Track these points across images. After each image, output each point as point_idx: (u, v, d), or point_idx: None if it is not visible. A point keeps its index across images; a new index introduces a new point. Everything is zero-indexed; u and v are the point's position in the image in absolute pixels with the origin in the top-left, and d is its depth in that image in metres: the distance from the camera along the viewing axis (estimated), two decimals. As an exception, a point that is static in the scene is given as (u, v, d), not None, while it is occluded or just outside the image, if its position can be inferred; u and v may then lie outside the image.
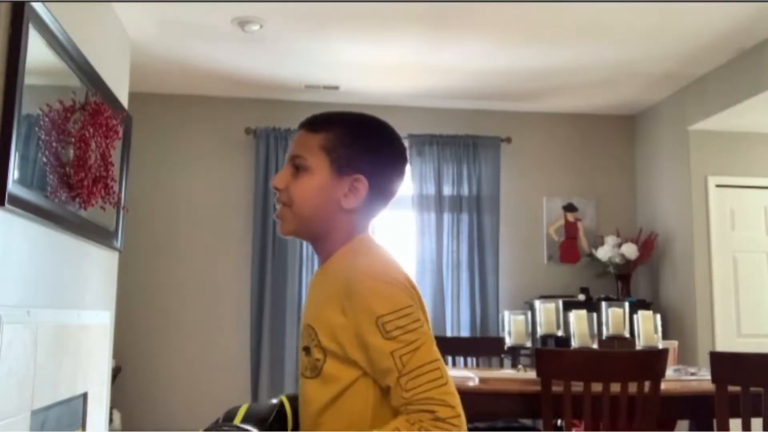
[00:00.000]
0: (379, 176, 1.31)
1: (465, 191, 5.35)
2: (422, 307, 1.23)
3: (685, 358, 4.64)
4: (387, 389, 1.17)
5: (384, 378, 1.16)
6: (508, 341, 3.54)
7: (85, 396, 3.28)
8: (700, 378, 3.07)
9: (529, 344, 3.57)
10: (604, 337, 3.42)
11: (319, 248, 1.34)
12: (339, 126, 1.32)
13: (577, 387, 2.37)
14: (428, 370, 1.14)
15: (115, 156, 3.36)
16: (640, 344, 3.29)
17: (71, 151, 2.84)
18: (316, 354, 1.22)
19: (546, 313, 3.67)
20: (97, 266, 3.46)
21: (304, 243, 5.11)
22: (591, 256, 5.38)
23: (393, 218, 5.49)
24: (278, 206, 1.34)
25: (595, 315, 3.46)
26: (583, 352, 3.06)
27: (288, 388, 4.92)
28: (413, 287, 1.24)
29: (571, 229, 5.53)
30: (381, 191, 1.32)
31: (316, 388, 1.23)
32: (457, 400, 1.13)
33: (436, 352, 1.18)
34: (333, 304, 1.21)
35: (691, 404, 2.72)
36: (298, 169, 1.31)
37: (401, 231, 5.41)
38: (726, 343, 4.73)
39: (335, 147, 1.29)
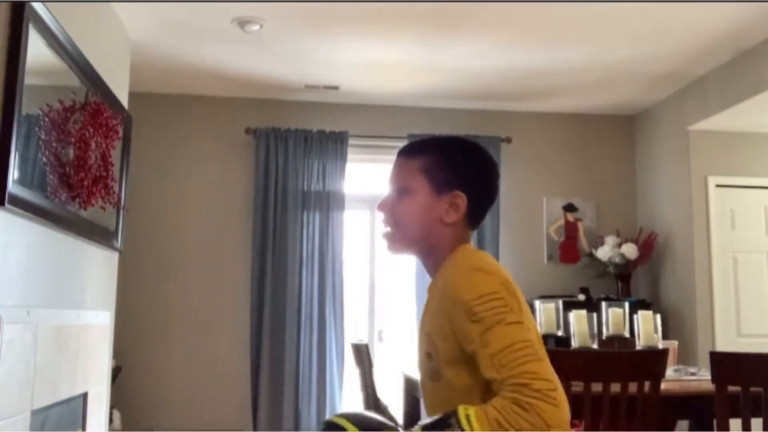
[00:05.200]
0: (475, 190, 1.43)
1: (465, 191, 5.34)
2: (519, 299, 1.26)
3: (685, 358, 4.64)
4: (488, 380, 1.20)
5: (479, 362, 1.20)
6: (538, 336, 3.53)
7: (85, 396, 3.28)
8: (700, 378, 3.07)
9: (529, 344, 3.56)
10: (604, 337, 3.42)
11: (427, 261, 1.47)
12: (434, 149, 1.45)
13: (577, 387, 2.36)
14: (520, 347, 1.16)
15: (115, 156, 3.36)
16: (640, 344, 3.29)
17: (71, 151, 2.83)
18: (436, 359, 1.31)
19: (546, 313, 3.67)
20: (97, 266, 3.46)
21: (304, 243, 5.13)
22: (591, 256, 5.38)
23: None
24: (385, 227, 1.47)
25: (595, 315, 3.46)
26: (583, 352, 3.06)
27: (288, 388, 4.91)
28: (509, 282, 1.28)
29: (571, 229, 5.53)
30: (479, 203, 1.44)
31: (439, 391, 1.32)
32: (553, 375, 1.16)
33: (529, 334, 1.19)
34: (443, 308, 1.30)
35: (691, 404, 2.73)
36: (401, 192, 1.44)
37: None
38: (726, 343, 4.73)
39: (433, 169, 1.42)
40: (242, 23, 3.97)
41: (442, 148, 1.46)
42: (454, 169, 1.43)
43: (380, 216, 1.48)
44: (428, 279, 4.90)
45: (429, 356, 1.34)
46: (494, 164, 1.49)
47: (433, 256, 1.44)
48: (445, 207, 1.41)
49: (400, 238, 1.44)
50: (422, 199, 1.41)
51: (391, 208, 1.44)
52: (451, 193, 1.41)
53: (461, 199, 1.41)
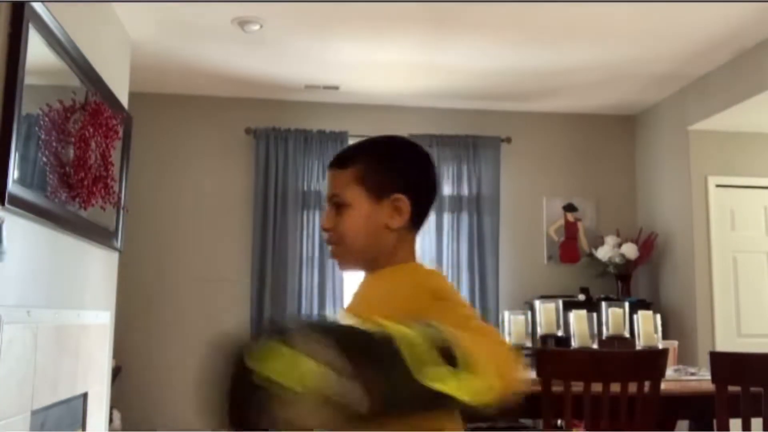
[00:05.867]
0: (415, 189, 1.37)
1: (465, 191, 5.35)
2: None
3: (685, 358, 4.64)
4: None
5: None
6: (508, 341, 3.54)
7: (85, 396, 3.28)
8: (700, 378, 3.07)
9: (529, 344, 3.57)
10: (604, 337, 3.43)
11: (371, 269, 1.41)
12: (363, 156, 1.39)
13: (577, 387, 2.36)
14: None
15: (115, 156, 3.36)
16: (640, 344, 3.29)
17: (71, 151, 2.84)
18: None
19: (546, 313, 3.68)
20: (97, 266, 3.46)
21: (304, 243, 5.13)
22: (591, 256, 5.38)
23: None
24: (330, 247, 1.40)
25: (595, 315, 3.46)
26: (583, 352, 3.07)
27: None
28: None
29: (571, 229, 5.53)
30: (420, 201, 1.38)
31: None
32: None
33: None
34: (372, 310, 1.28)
35: (691, 404, 2.72)
36: (339, 206, 1.37)
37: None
38: (726, 343, 4.72)
39: (366, 176, 1.36)
40: (242, 23, 3.97)
41: (372, 153, 1.40)
42: (389, 171, 1.37)
43: (324, 236, 1.42)
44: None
45: None
46: (427, 156, 1.43)
47: (376, 263, 1.38)
48: (388, 212, 1.35)
49: (347, 253, 1.38)
50: (362, 210, 1.35)
51: (334, 225, 1.37)
52: (390, 197, 1.35)
53: (403, 202, 1.34)
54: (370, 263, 1.39)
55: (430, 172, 1.42)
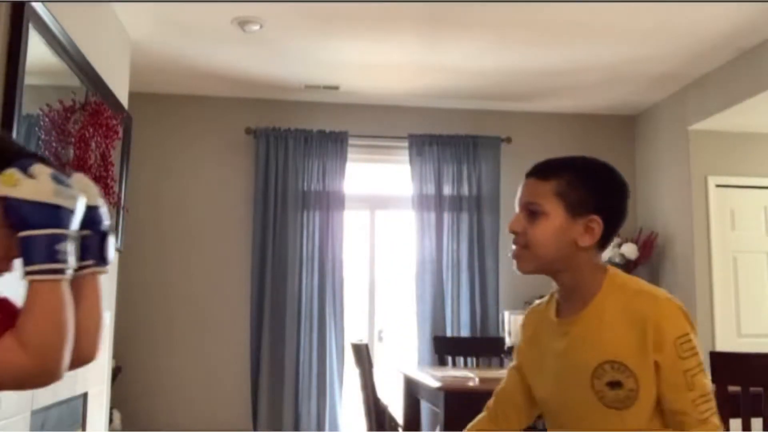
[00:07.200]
0: (610, 212, 1.44)
1: (465, 191, 5.35)
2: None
3: (685, 358, 4.63)
4: (661, 401, 1.36)
5: (670, 392, 1.34)
6: (508, 341, 3.54)
7: (85, 396, 3.28)
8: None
9: (529, 344, 3.56)
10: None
11: (560, 281, 1.48)
12: (568, 172, 1.46)
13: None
14: (710, 398, 1.35)
15: (115, 156, 3.36)
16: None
17: (71, 151, 2.84)
18: (630, 385, 1.36)
19: (546, 313, 3.68)
20: (97, 266, 3.45)
21: (304, 243, 5.13)
22: (591, 256, 5.37)
23: (393, 218, 5.49)
24: (514, 247, 1.48)
25: (595, 315, 3.45)
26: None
27: (288, 388, 4.91)
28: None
29: (571, 229, 5.52)
30: (613, 226, 1.46)
31: (631, 417, 1.37)
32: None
33: (709, 381, 1.39)
34: (633, 336, 1.35)
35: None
36: (534, 214, 1.44)
37: (401, 231, 5.41)
38: (726, 343, 4.72)
39: (568, 191, 1.43)
40: (242, 23, 3.97)
41: (578, 171, 1.46)
42: (591, 192, 1.43)
43: (511, 236, 1.49)
44: (428, 279, 4.89)
45: (615, 385, 1.37)
46: (626, 184, 1.50)
47: (564, 279, 1.45)
48: (580, 231, 1.41)
49: (531, 259, 1.44)
50: (557, 223, 1.42)
51: (524, 230, 1.44)
52: (586, 216, 1.41)
53: (597, 223, 1.41)
54: (556, 274, 1.47)
55: (625, 200, 1.50)
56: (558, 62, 4.56)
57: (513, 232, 1.47)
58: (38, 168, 1.12)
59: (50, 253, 1.12)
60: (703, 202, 4.89)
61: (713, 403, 1.35)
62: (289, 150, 5.20)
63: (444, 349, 4.22)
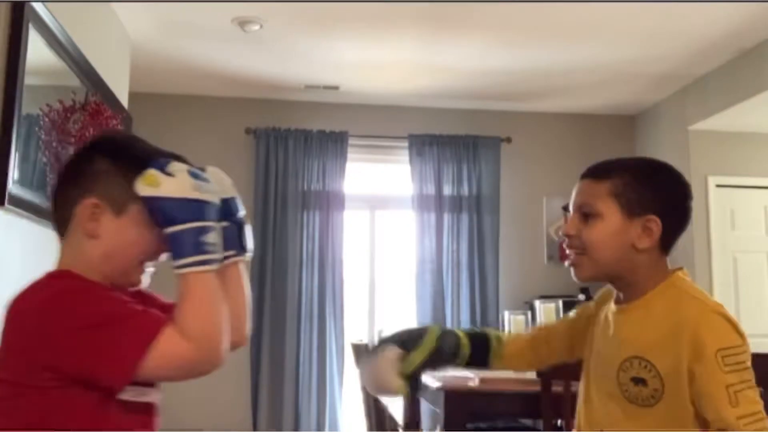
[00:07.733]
0: (669, 213, 1.39)
1: (465, 191, 5.35)
2: (748, 348, 1.35)
3: (685, 358, 4.63)
4: (703, 414, 1.29)
5: (709, 404, 1.26)
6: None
7: (85, 396, 3.27)
8: (700, 378, 3.06)
9: (529, 344, 3.56)
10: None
11: (619, 286, 1.44)
12: (624, 172, 1.43)
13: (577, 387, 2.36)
14: (760, 418, 1.25)
15: (115, 156, 3.36)
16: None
17: (71, 151, 2.84)
18: (655, 385, 1.32)
19: (546, 313, 3.68)
20: (97, 266, 3.45)
21: (304, 243, 5.13)
22: (591, 256, 5.37)
23: (393, 218, 5.49)
24: (570, 252, 1.43)
25: (595, 315, 3.45)
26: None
27: (288, 388, 4.91)
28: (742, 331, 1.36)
29: (571, 229, 5.52)
30: (673, 226, 1.40)
31: (650, 416, 1.33)
32: None
33: (760, 399, 1.28)
34: (676, 342, 1.30)
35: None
36: (588, 216, 1.40)
37: (401, 231, 5.41)
38: (726, 343, 4.72)
39: (624, 192, 1.39)
40: (242, 23, 3.97)
41: (633, 171, 1.43)
42: (647, 192, 1.39)
43: (565, 241, 1.45)
44: (428, 279, 4.88)
45: (639, 381, 1.34)
46: (687, 185, 1.46)
47: (627, 281, 1.41)
48: (637, 232, 1.37)
49: (590, 266, 1.40)
50: (613, 224, 1.37)
51: (579, 233, 1.40)
52: (644, 217, 1.37)
53: (655, 224, 1.36)
54: (616, 279, 1.42)
55: (686, 199, 1.44)
56: (558, 62, 4.56)
57: (567, 235, 1.43)
58: (175, 166, 1.16)
59: (198, 245, 1.17)
60: (703, 202, 4.89)
61: (765, 423, 1.26)
62: (289, 150, 5.20)
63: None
